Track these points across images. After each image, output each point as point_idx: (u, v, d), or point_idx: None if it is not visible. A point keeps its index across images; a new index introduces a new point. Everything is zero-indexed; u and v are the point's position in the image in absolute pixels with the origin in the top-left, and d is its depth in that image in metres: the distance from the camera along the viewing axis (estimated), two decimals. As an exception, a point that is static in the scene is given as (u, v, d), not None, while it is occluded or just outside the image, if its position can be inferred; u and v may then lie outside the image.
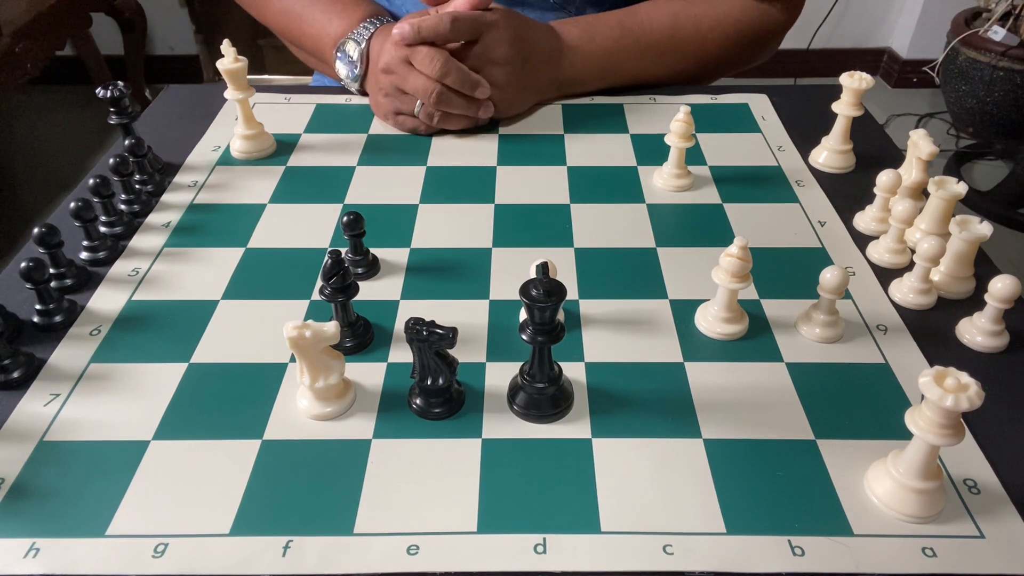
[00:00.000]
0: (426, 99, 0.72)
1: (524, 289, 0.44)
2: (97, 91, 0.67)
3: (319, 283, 0.56)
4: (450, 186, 0.70)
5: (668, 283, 0.58)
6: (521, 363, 0.48)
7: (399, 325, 0.54)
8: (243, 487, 0.43)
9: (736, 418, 0.47)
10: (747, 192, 0.69)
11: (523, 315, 0.52)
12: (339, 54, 0.79)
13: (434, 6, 0.74)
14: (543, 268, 0.45)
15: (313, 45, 0.82)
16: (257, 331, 0.54)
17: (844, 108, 0.70)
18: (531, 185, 0.70)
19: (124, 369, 0.51)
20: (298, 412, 0.48)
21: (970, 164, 2.25)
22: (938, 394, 0.38)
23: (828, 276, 0.51)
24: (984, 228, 0.55)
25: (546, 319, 0.44)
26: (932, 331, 0.54)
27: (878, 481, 0.43)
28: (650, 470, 0.44)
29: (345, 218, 0.56)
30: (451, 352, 0.46)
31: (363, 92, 0.81)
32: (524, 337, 0.45)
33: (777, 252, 0.61)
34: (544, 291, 0.43)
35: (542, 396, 0.47)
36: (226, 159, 0.73)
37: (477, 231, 0.63)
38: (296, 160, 0.73)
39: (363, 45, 0.77)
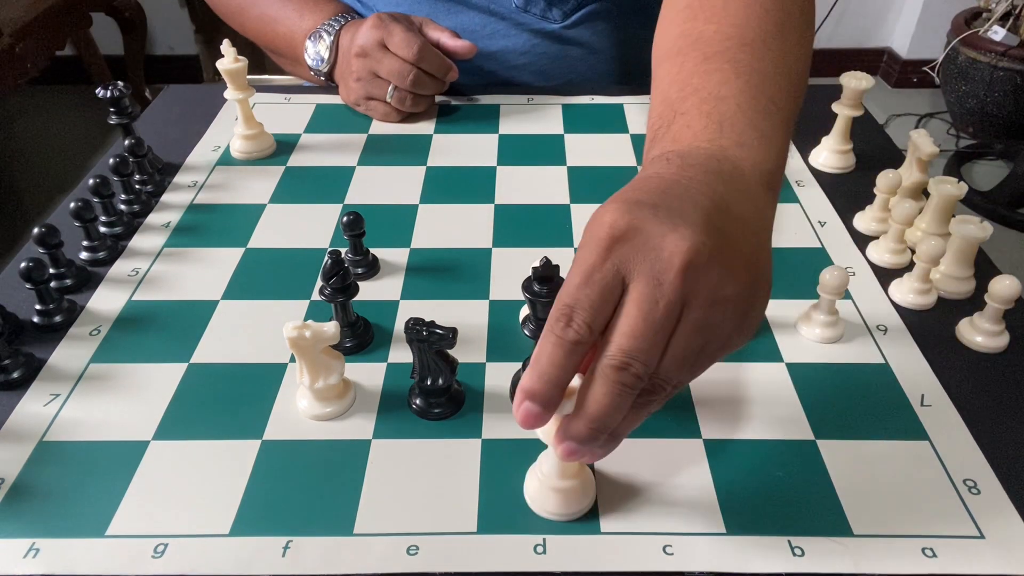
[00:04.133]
0: (401, 82, 0.74)
1: (527, 284, 0.44)
2: (97, 91, 0.67)
3: (319, 283, 0.56)
4: (450, 186, 0.70)
5: (668, 283, 0.58)
6: (522, 361, 0.48)
7: (399, 325, 0.54)
8: (243, 487, 0.43)
9: (736, 418, 0.47)
10: (747, 192, 0.68)
11: (524, 312, 0.52)
12: (309, 42, 0.80)
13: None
14: (544, 263, 0.45)
15: (286, 44, 0.84)
16: (257, 331, 0.54)
17: (844, 108, 0.70)
18: (531, 185, 0.70)
19: (124, 369, 0.51)
20: (298, 412, 0.48)
21: (970, 164, 2.25)
22: None
23: (828, 276, 0.51)
24: (984, 228, 0.55)
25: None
26: (932, 331, 0.54)
27: (528, 482, 0.43)
28: (650, 470, 0.44)
29: (345, 218, 0.56)
30: (451, 352, 0.46)
31: (330, 80, 0.82)
32: (527, 332, 0.45)
33: (777, 252, 0.60)
34: (547, 288, 0.44)
35: None
36: (226, 159, 0.73)
37: (477, 231, 0.63)
38: (296, 160, 0.73)
39: (332, 36, 0.79)
